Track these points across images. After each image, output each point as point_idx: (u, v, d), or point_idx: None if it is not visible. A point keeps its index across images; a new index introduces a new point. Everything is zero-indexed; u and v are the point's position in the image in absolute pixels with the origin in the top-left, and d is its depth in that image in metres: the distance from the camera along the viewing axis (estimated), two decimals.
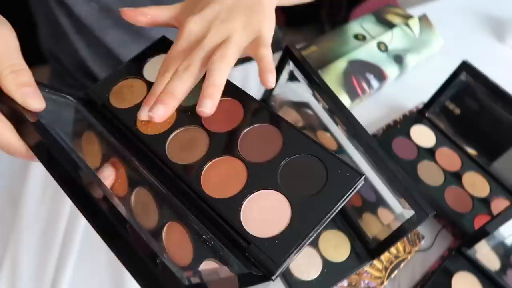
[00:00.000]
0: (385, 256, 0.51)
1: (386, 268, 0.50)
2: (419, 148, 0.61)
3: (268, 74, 0.34)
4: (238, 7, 0.37)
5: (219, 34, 0.35)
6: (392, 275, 0.50)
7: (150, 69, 0.41)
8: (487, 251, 0.51)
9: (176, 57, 0.35)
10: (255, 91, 0.67)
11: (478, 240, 0.49)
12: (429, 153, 0.61)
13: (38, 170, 0.54)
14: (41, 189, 0.53)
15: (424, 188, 0.57)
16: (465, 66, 0.58)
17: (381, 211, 0.49)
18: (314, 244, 0.49)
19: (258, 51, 0.35)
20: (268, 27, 0.38)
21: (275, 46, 0.41)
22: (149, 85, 0.39)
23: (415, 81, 0.73)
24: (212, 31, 0.35)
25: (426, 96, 0.64)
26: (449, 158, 0.61)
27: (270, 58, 0.35)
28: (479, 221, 0.54)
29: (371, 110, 0.68)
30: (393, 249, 0.52)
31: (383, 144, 0.60)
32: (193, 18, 0.36)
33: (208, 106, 0.32)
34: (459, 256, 0.51)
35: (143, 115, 0.35)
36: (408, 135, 0.62)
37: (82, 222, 0.50)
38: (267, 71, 0.34)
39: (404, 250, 0.52)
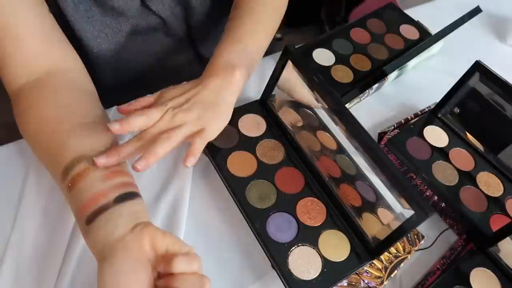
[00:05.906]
0: (385, 256, 0.51)
1: (386, 268, 0.50)
2: (432, 148, 0.61)
3: (190, 157, 0.43)
4: (198, 102, 0.47)
5: (176, 120, 0.45)
6: (392, 275, 0.50)
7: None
8: (510, 249, 0.51)
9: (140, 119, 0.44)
10: (255, 91, 0.67)
11: (501, 239, 0.49)
12: (443, 153, 0.61)
13: (39, 172, 0.54)
14: (43, 190, 0.53)
15: (440, 187, 0.56)
16: (478, 67, 0.57)
17: (381, 211, 0.49)
18: (314, 244, 0.49)
19: (194, 138, 0.45)
20: (215, 126, 0.47)
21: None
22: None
23: (414, 81, 0.73)
24: (175, 115, 0.45)
25: (425, 96, 0.63)
26: (462, 158, 0.60)
27: (199, 147, 0.45)
28: (495, 221, 0.54)
29: (371, 110, 0.68)
30: (393, 249, 0.52)
31: (398, 144, 0.60)
32: (164, 99, 0.46)
33: (142, 164, 0.41)
34: (478, 253, 0.51)
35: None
36: (421, 135, 0.62)
37: None
38: (191, 154, 0.44)
39: (404, 250, 0.52)
